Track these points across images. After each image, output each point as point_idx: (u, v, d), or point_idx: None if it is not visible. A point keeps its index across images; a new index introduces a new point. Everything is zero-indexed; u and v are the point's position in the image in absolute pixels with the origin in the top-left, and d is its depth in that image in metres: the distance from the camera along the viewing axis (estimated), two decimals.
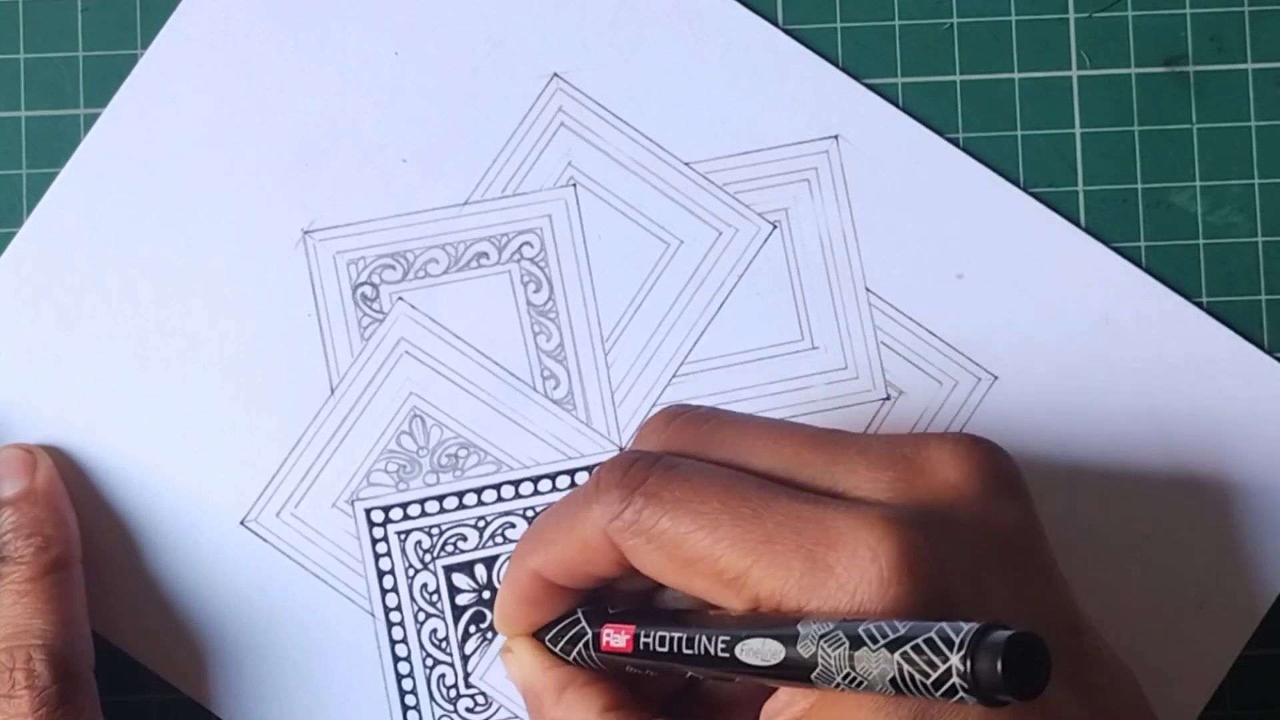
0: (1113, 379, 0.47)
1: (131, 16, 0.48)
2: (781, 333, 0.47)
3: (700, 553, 0.38)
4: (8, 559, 0.45)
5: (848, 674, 0.35)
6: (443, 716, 0.47)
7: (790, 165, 0.48)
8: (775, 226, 0.48)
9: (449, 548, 0.47)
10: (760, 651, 0.37)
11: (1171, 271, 0.48)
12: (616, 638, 0.41)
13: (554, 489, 0.47)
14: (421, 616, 0.47)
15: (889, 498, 0.38)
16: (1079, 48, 0.48)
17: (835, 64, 0.48)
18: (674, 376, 0.47)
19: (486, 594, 0.47)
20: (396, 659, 0.47)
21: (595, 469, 0.40)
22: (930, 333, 0.47)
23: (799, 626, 0.36)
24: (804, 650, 0.36)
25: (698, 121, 0.48)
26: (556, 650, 0.43)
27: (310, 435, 0.47)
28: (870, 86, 0.48)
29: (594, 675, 0.42)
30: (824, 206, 0.48)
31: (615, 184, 0.48)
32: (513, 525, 0.47)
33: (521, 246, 0.48)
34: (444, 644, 0.47)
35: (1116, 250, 0.48)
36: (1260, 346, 0.48)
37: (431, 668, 0.47)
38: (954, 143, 0.48)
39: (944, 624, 0.34)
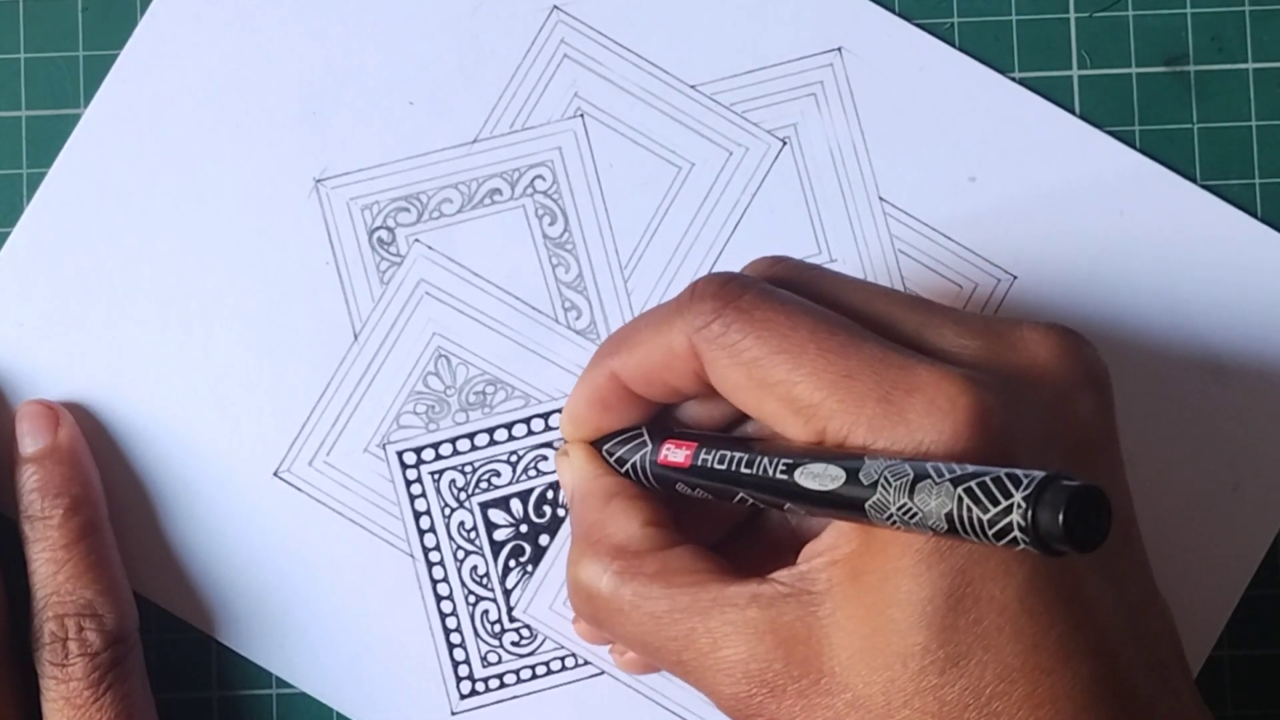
0: (1131, 270, 0.47)
1: (132, 16, 0.48)
2: (798, 247, 0.47)
3: (778, 377, 0.38)
4: (34, 518, 0.45)
5: (904, 506, 0.34)
6: (489, 652, 0.47)
7: (796, 80, 0.48)
8: (785, 143, 0.48)
9: (483, 484, 0.47)
10: (820, 476, 0.36)
11: None
12: (676, 453, 0.42)
13: None
14: (461, 554, 0.47)
15: (974, 363, 0.38)
16: (1080, 47, 0.48)
17: None
18: None
19: (524, 528, 0.47)
20: (439, 598, 0.47)
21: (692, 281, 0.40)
22: (946, 237, 0.47)
23: (865, 458, 0.36)
24: (865, 479, 0.35)
25: (700, 43, 0.48)
26: (611, 462, 0.43)
27: (337, 382, 0.47)
28: None
29: (644, 491, 0.43)
30: (832, 119, 0.48)
31: (622, 112, 0.48)
32: (544, 458, 0.47)
33: (534, 180, 0.48)
34: (485, 580, 0.47)
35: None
36: None
37: (474, 604, 0.47)
38: None
39: (1012, 468, 0.33)
